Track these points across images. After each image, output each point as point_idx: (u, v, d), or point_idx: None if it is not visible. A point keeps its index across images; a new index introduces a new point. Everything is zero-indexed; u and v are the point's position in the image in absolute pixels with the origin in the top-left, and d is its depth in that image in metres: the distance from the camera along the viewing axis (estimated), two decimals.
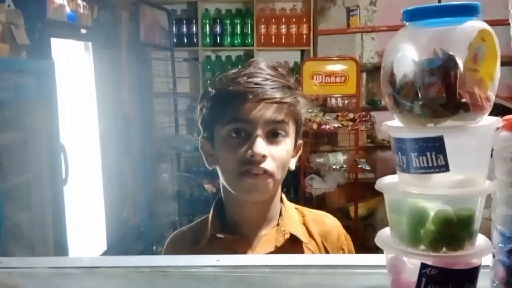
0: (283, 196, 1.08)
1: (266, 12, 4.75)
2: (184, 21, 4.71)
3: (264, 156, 0.94)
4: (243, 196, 0.99)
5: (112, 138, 3.61)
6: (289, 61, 4.83)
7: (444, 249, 0.60)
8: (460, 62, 0.57)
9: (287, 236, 1.01)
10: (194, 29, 4.69)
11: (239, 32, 4.73)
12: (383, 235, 0.67)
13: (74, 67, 3.13)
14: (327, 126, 3.97)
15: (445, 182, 0.61)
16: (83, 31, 3.10)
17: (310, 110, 4.17)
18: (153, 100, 4.20)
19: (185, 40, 4.69)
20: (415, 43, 0.61)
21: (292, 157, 1.05)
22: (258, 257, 0.81)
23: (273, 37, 4.72)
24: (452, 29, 0.59)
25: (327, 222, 1.08)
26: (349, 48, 4.81)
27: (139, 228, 4.08)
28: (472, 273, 0.60)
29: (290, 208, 1.07)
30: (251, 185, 0.96)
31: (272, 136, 0.97)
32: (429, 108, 0.58)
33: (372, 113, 4.14)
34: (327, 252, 1.03)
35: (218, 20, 4.73)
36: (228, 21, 4.73)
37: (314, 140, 4.04)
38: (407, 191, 0.62)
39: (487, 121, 0.60)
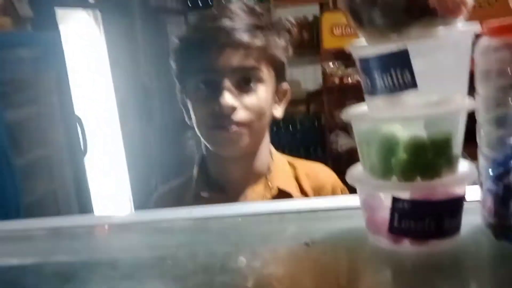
0: (273, 149, 1.01)
1: None
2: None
3: (233, 108, 0.87)
4: (218, 151, 0.93)
5: (132, 107, 3.60)
6: (308, 16, 4.68)
7: (419, 178, 0.53)
8: None
9: (275, 191, 0.94)
10: None
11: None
12: (355, 171, 0.60)
13: (83, 38, 3.10)
14: (350, 80, 3.85)
15: (415, 102, 0.52)
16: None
17: (331, 64, 4.05)
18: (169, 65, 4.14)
19: (200, 3, 4.58)
20: None
21: (278, 103, 0.97)
22: (230, 206, 0.75)
23: None
24: None
25: (321, 175, 1.00)
26: None
27: None
28: (453, 205, 0.53)
29: (281, 161, 1.00)
30: (224, 139, 0.90)
31: (244, 83, 0.89)
32: (389, 15, 0.49)
33: None
34: None
35: None
36: None
37: (338, 95, 3.93)
38: (374, 116, 0.54)
39: (463, 27, 0.51)
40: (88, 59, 3.14)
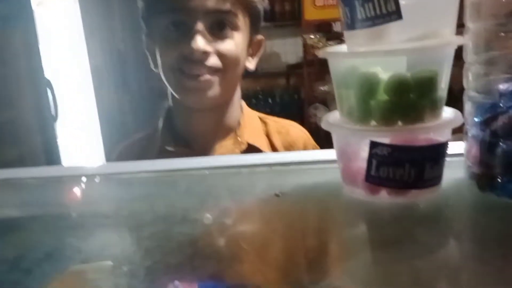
0: (243, 103, 0.95)
1: None
2: None
3: (205, 53, 0.80)
4: (187, 101, 0.86)
5: (106, 75, 3.48)
6: None
7: (399, 122, 0.48)
8: None
9: (244, 146, 0.88)
10: None
11: None
12: (331, 117, 0.55)
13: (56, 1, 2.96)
14: None
15: (402, 39, 0.47)
16: None
17: (312, 36, 3.97)
18: None
19: None
20: None
21: (251, 55, 0.91)
22: (197, 159, 0.70)
23: None
24: None
25: (292, 132, 0.95)
26: None
27: None
28: (435, 151, 0.48)
29: (251, 117, 0.94)
30: (194, 88, 0.83)
31: (218, 29, 0.82)
32: None
33: None
34: None
35: None
36: None
37: (319, 68, 3.87)
38: (352, 52, 0.49)
39: None
40: (61, 23, 3.01)
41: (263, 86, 4.70)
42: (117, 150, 0.99)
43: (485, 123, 0.48)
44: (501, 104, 0.48)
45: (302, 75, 4.18)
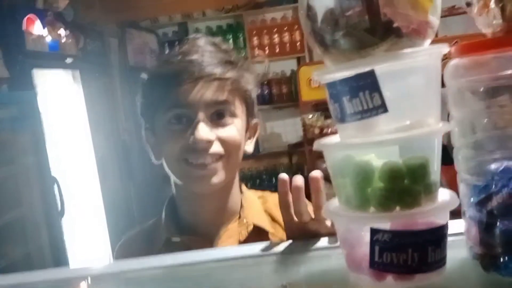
0: (243, 186, 0.97)
1: (257, 24, 4.70)
2: (177, 43, 4.66)
3: (209, 142, 0.84)
4: (192, 187, 0.88)
5: (112, 166, 3.54)
6: (286, 71, 4.77)
7: (397, 208, 0.49)
8: None
9: (251, 228, 0.89)
10: None
11: (232, 46, 4.67)
12: (331, 205, 0.56)
13: (62, 97, 3.08)
14: (330, 130, 3.86)
15: (390, 130, 0.50)
16: (68, 60, 3.06)
17: (310, 116, 4.08)
18: None
19: None
20: None
21: (249, 138, 0.94)
22: (203, 253, 0.71)
23: (266, 47, 4.66)
24: None
25: None
26: None
27: None
28: (436, 234, 0.49)
29: (251, 197, 0.96)
30: (201, 176, 0.85)
31: (217, 118, 0.86)
32: (353, 36, 0.48)
33: None
34: None
35: None
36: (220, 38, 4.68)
37: None
38: (345, 143, 0.51)
39: (432, 48, 0.50)
40: (66, 119, 3.11)
41: (266, 166, 4.76)
42: (123, 240, 0.99)
43: (480, 204, 0.49)
44: (493, 185, 0.49)
45: (304, 153, 4.24)
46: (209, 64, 0.84)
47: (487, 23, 0.50)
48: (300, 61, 4.69)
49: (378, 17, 0.46)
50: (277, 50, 4.66)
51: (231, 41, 4.59)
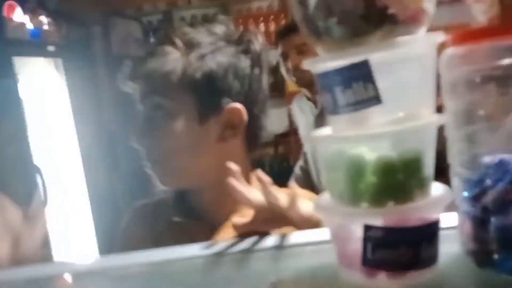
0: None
1: (243, 12, 4.66)
2: (161, 30, 4.60)
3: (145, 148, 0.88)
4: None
5: (97, 156, 3.49)
6: (272, 60, 4.73)
7: (390, 203, 0.48)
8: None
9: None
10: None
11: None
12: (322, 200, 0.54)
13: (45, 86, 3.02)
14: None
15: (384, 122, 0.48)
16: (50, 48, 2.99)
17: None
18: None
19: None
20: None
21: (227, 128, 0.86)
22: (191, 248, 0.68)
23: None
24: None
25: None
26: None
27: None
28: (429, 230, 0.48)
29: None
30: (157, 176, 0.88)
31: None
32: (347, 23, 0.46)
33: None
34: None
35: (195, 26, 4.62)
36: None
37: None
38: (336, 136, 0.49)
39: (427, 37, 0.48)
40: (49, 108, 3.05)
41: (252, 156, 4.74)
42: (135, 208, 1.00)
43: (474, 199, 0.48)
44: (488, 179, 0.48)
45: (289, 144, 4.23)
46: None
47: (484, 10, 0.48)
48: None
49: (373, 3, 0.44)
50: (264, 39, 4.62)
51: None
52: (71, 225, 3.14)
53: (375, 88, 0.46)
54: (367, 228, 0.47)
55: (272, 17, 4.56)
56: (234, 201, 0.87)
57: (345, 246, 0.51)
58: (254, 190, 0.75)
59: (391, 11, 0.45)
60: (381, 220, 0.47)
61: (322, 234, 0.64)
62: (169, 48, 0.84)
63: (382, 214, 0.47)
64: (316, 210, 0.52)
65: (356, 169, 0.48)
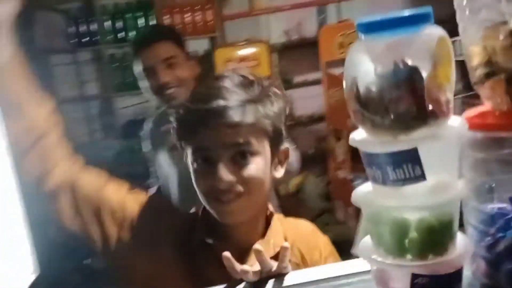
0: (271, 207, 1.07)
1: (168, 1, 4.61)
2: (83, 20, 4.43)
3: (231, 183, 0.93)
4: (220, 220, 0.98)
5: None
6: (199, 50, 4.74)
7: (431, 255, 0.61)
8: (423, 72, 0.57)
9: (277, 249, 0.95)
10: (95, 27, 4.43)
11: (143, 25, 4.56)
12: (366, 247, 0.66)
13: None
14: None
15: (421, 189, 0.61)
16: None
17: None
18: (62, 109, 3.95)
19: (87, 39, 4.42)
20: (373, 55, 0.60)
21: (279, 164, 1.02)
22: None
23: (179, 27, 4.59)
24: (411, 38, 0.58)
25: (302, 226, 1.11)
26: (257, 31, 4.81)
27: (69, 242, 3.85)
28: (458, 275, 0.62)
29: (276, 219, 1.06)
30: (225, 212, 0.95)
31: (241, 157, 0.94)
32: (401, 121, 0.57)
33: (287, 91, 4.17)
34: (304, 258, 1.04)
35: (118, 15, 4.51)
36: (129, 15, 4.54)
37: None
38: (388, 205, 0.62)
39: (454, 124, 0.61)
40: None
41: None
42: (151, 197, 1.10)
43: (489, 247, 0.63)
44: (496, 229, 0.63)
45: None
46: (230, 110, 0.92)
47: (494, 102, 0.62)
48: (213, 41, 4.70)
49: (424, 107, 0.56)
50: (190, 30, 4.61)
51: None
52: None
53: (422, 168, 0.58)
54: (415, 276, 0.60)
55: (198, 7, 4.56)
56: (262, 226, 0.99)
57: (387, 284, 0.64)
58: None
59: (431, 108, 0.58)
60: (423, 269, 0.61)
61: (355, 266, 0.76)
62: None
63: (425, 265, 0.60)
64: (365, 258, 0.64)
65: (401, 229, 0.61)
